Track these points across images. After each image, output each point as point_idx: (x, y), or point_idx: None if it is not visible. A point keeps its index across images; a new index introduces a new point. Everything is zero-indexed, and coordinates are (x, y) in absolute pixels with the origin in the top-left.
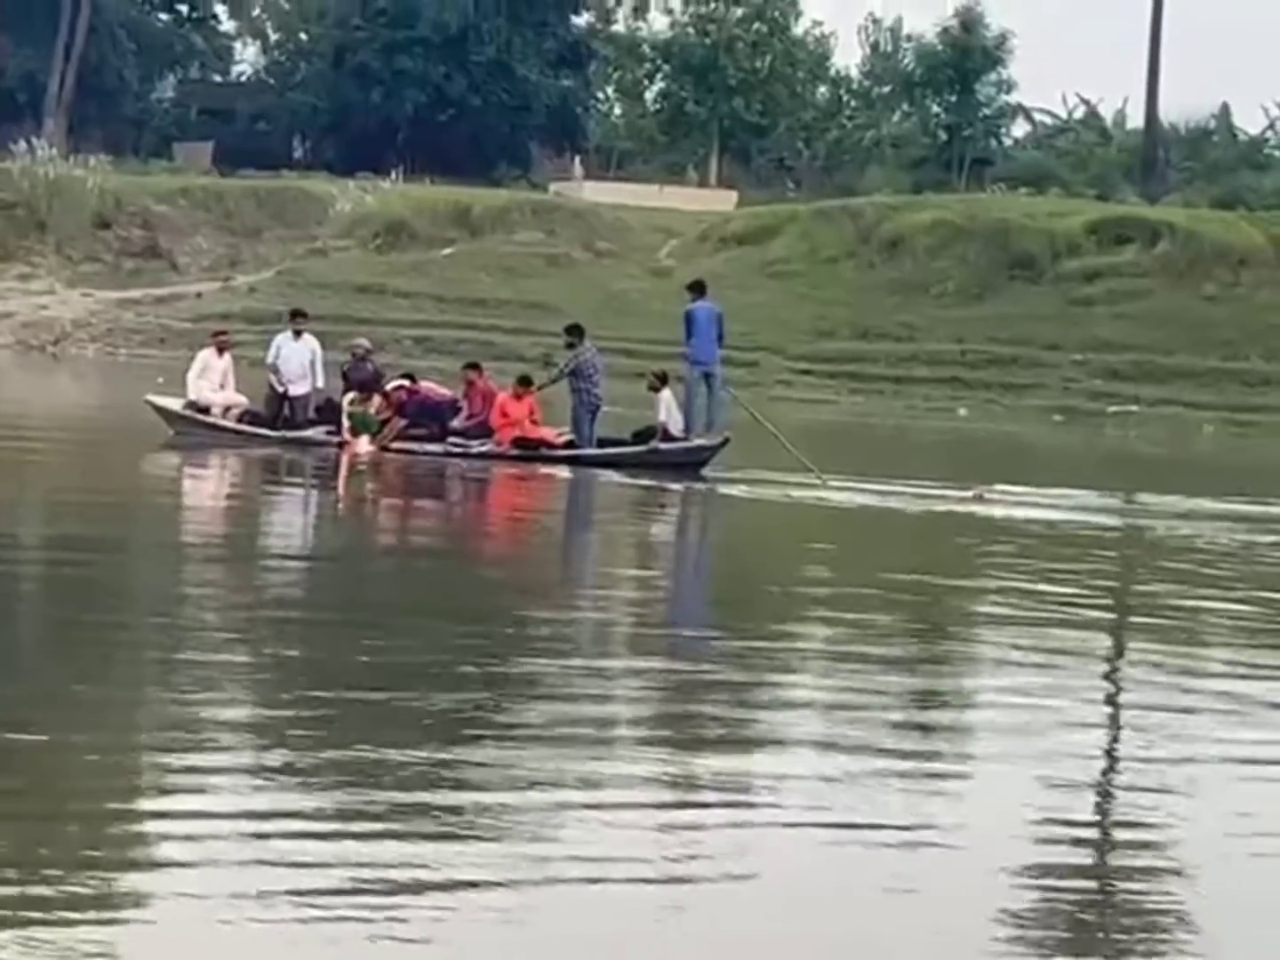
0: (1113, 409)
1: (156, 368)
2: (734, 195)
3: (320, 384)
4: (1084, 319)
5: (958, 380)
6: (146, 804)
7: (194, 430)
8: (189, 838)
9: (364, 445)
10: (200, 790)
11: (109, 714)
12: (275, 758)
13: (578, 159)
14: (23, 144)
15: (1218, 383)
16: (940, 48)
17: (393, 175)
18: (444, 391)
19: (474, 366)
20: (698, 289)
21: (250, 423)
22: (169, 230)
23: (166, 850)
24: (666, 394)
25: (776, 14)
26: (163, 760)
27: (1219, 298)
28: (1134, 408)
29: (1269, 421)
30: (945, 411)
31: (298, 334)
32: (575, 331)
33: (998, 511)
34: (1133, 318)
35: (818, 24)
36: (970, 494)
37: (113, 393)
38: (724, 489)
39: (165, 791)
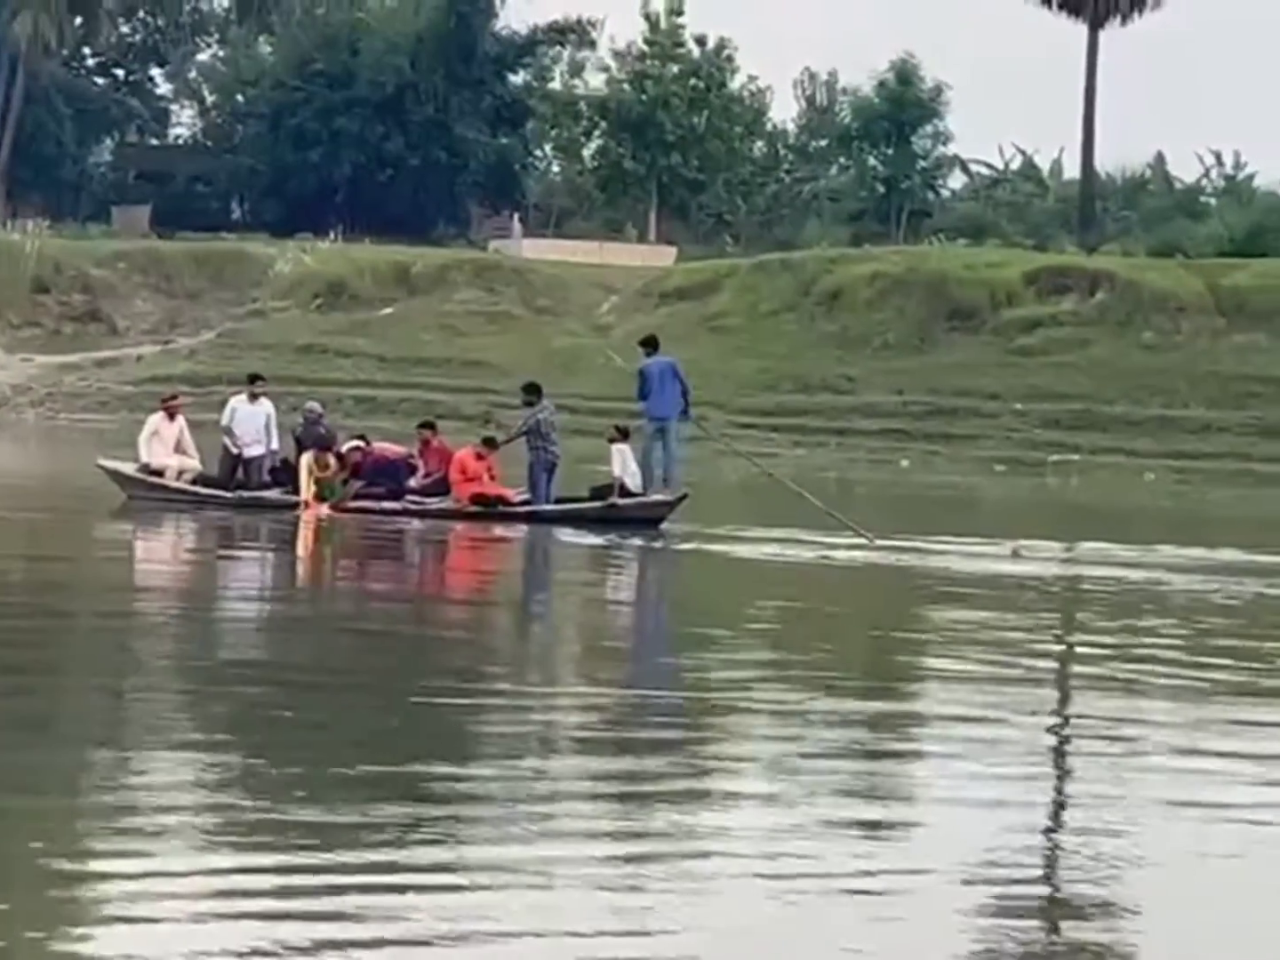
0: (1054, 458)
1: (99, 432)
2: (673, 251)
3: (275, 447)
4: (1024, 369)
5: (900, 432)
6: (95, 865)
7: (148, 494)
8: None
9: (325, 510)
10: (145, 854)
11: (53, 779)
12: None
13: (516, 217)
14: None
15: (1158, 431)
16: (876, 100)
17: (332, 235)
18: (398, 449)
19: (429, 425)
20: (650, 344)
21: (204, 486)
22: (108, 294)
23: (116, 910)
24: (623, 448)
25: (712, 70)
26: (108, 823)
27: (1158, 346)
28: (1075, 457)
29: (1210, 469)
30: (887, 463)
31: (254, 397)
32: (533, 390)
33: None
34: (1072, 367)
35: (753, 79)
36: (1009, 551)
37: (60, 457)
38: (682, 545)
39: (111, 854)
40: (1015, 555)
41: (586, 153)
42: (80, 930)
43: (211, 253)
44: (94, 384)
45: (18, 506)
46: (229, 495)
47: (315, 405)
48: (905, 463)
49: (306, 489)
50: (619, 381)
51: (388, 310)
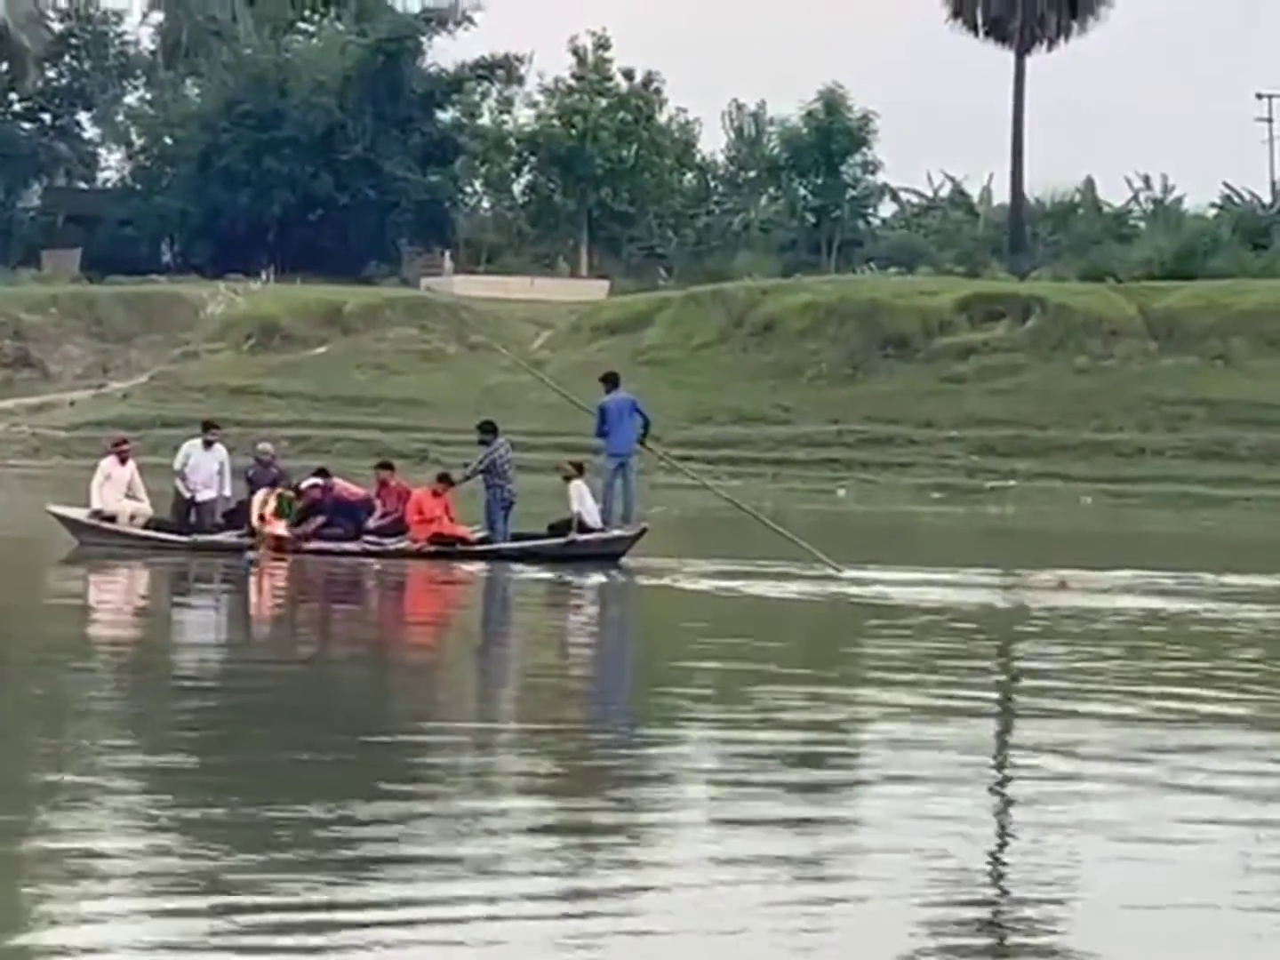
0: (990, 484)
1: (34, 478)
2: (606, 285)
3: (228, 493)
4: (958, 395)
5: (835, 461)
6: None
7: (100, 539)
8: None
9: (282, 527)
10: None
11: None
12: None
13: (447, 254)
14: None
15: (1093, 455)
16: (805, 130)
17: (263, 276)
18: (357, 490)
19: (387, 466)
20: (610, 381)
21: (157, 530)
22: (40, 339)
23: None
24: (579, 484)
25: (640, 103)
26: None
27: (1091, 370)
28: (1011, 482)
29: (1145, 491)
30: (824, 493)
31: (209, 444)
32: (488, 428)
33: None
34: (1006, 393)
35: (681, 111)
36: (1054, 583)
37: (4, 504)
38: (643, 580)
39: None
40: (1062, 587)
41: (517, 188)
42: None
43: (143, 296)
44: (27, 429)
45: None
46: (184, 539)
47: (267, 446)
48: (842, 492)
49: (259, 509)
50: (555, 417)
51: (321, 350)
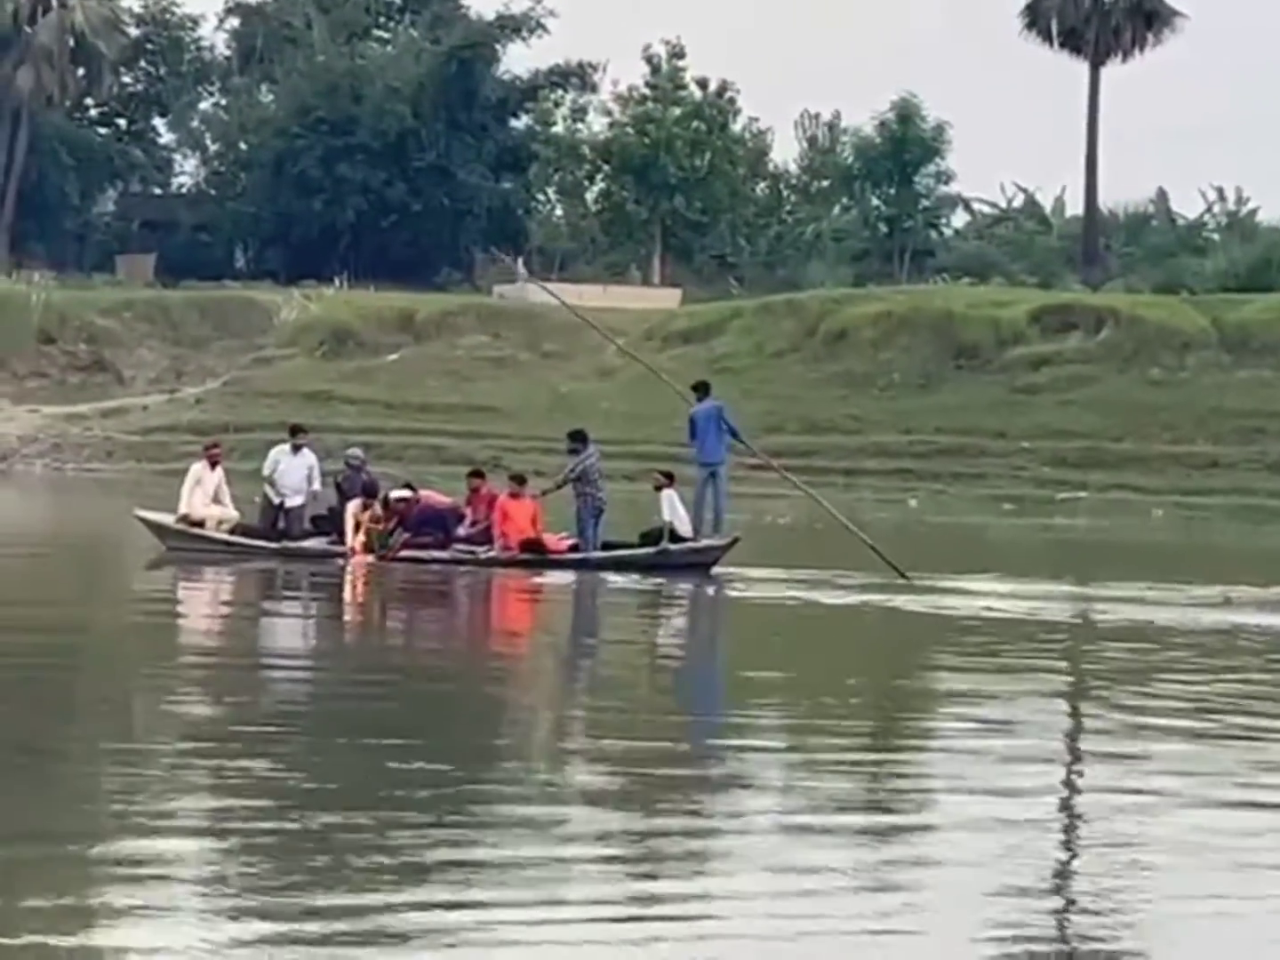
0: (1061, 496)
1: (108, 482)
2: (678, 293)
3: (317, 488)
4: (1030, 407)
5: (907, 471)
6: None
7: (188, 545)
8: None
9: (371, 558)
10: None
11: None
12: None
13: (520, 261)
14: None
15: (1165, 467)
16: (878, 140)
17: (336, 282)
18: (445, 499)
19: (478, 474)
20: (702, 389)
21: (245, 536)
22: (114, 344)
23: None
24: (670, 493)
25: (714, 112)
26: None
27: (1164, 382)
28: (1082, 494)
29: (1217, 504)
30: (895, 503)
31: (297, 449)
32: (579, 437)
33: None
34: (1079, 404)
35: (754, 120)
36: (1220, 598)
37: (78, 509)
38: (736, 591)
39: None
40: (1227, 602)
41: (589, 196)
42: None
43: (216, 301)
44: (100, 434)
45: (61, 561)
46: (273, 545)
47: (357, 452)
48: (913, 502)
49: (353, 538)
50: (626, 425)
51: (393, 356)
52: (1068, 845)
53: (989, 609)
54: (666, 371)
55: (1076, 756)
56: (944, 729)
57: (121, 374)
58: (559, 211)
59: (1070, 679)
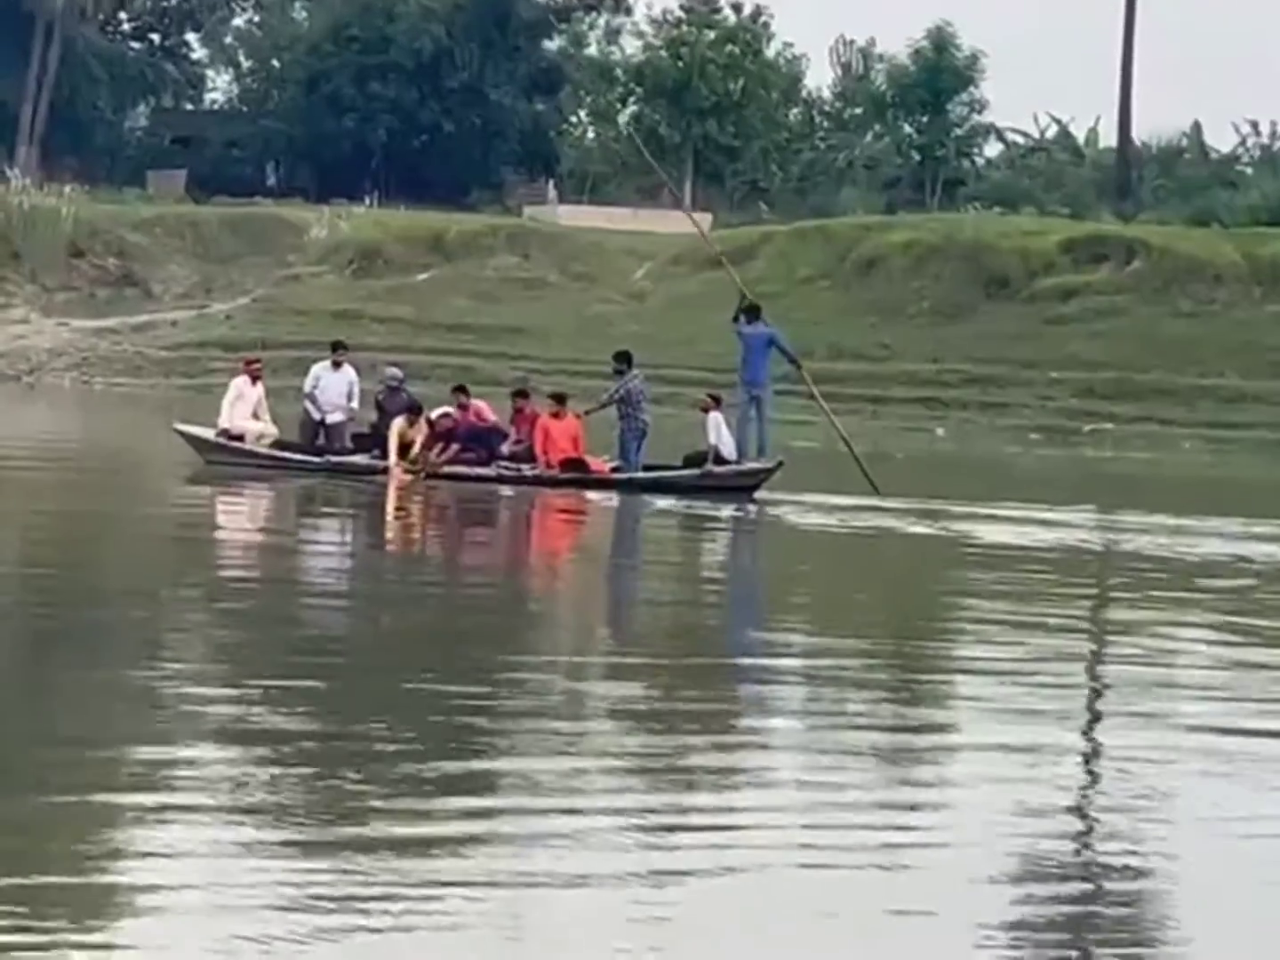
0: (1089, 427)
1: (137, 397)
2: (709, 218)
3: (355, 405)
4: (1059, 337)
5: (935, 400)
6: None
7: (228, 459)
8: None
9: (413, 476)
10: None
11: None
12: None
13: (551, 183)
14: None
15: (1194, 400)
16: (912, 68)
17: (367, 201)
18: (490, 415)
19: (522, 393)
20: (754, 312)
21: (286, 451)
22: (143, 259)
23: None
24: (716, 415)
25: (749, 36)
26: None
27: (1195, 315)
28: (1110, 426)
29: (1245, 438)
30: (922, 432)
31: (337, 365)
32: (623, 359)
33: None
34: (1108, 336)
35: (789, 46)
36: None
37: (112, 423)
38: (777, 513)
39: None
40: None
41: (622, 119)
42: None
43: (247, 218)
44: (129, 349)
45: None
46: (317, 460)
47: (396, 371)
48: (941, 431)
49: (395, 455)
50: (654, 349)
51: (423, 276)
52: (1089, 768)
53: (1015, 537)
54: (696, 296)
55: (1100, 680)
56: (969, 653)
57: (151, 289)
58: (591, 134)
59: (1096, 606)
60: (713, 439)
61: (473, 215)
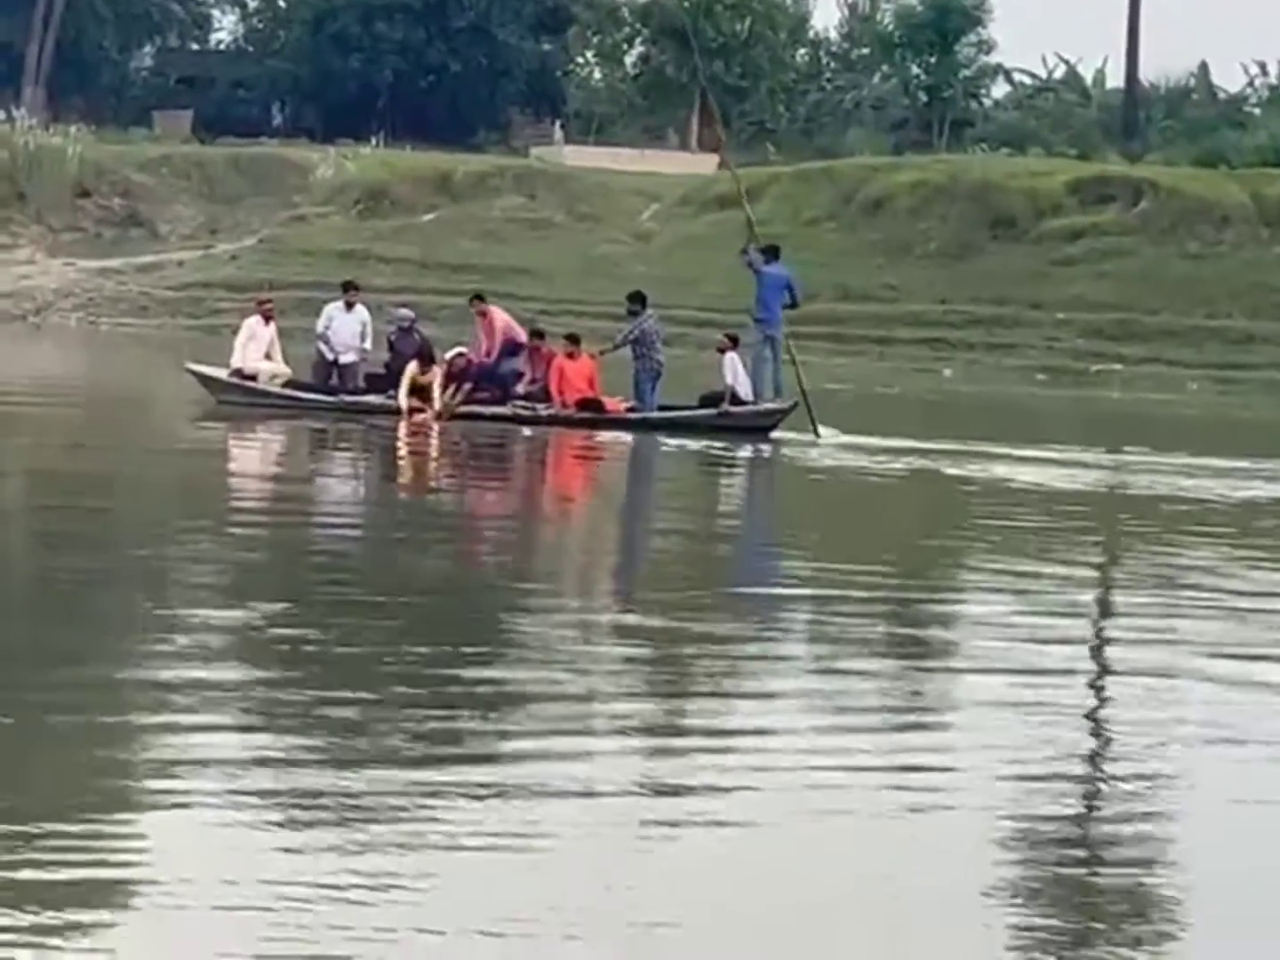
0: (1096, 368)
1: (143, 337)
2: (715, 159)
3: (368, 346)
4: (1066, 278)
5: (941, 341)
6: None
7: (240, 399)
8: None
9: (421, 418)
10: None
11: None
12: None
13: (558, 123)
14: (1, 114)
15: (1201, 341)
16: (919, 8)
17: (373, 141)
18: (507, 321)
19: (539, 334)
20: (772, 253)
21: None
22: (149, 199)
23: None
24: (733, 356)
25: None
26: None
27: (1202, 255)
28: (1117, 366)
29: (1252, 379)
30: (930, 372)
31: (349, 305)
32: (638, 299)
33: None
34: (1115, 276)
35: None
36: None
37: (123, 363)
38: (791, 453)
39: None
40: None
41: (628, 59)
42: None
43: (253, 158)
44: (135, 289)
45: (121, 416)
46: (331, 399)
47: (408, 313)
48: (948, 372)
49: (405, 398)
50: (659, 289)
51: (429, 216)
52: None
53: (1025, 477)
54: (703, 237)
55: (1110, 611)
56: (977, 585)
57: (157, 229)
58: (597, 75)
59: (1104, 548)
60: (729, 379)
61: (479, 156)
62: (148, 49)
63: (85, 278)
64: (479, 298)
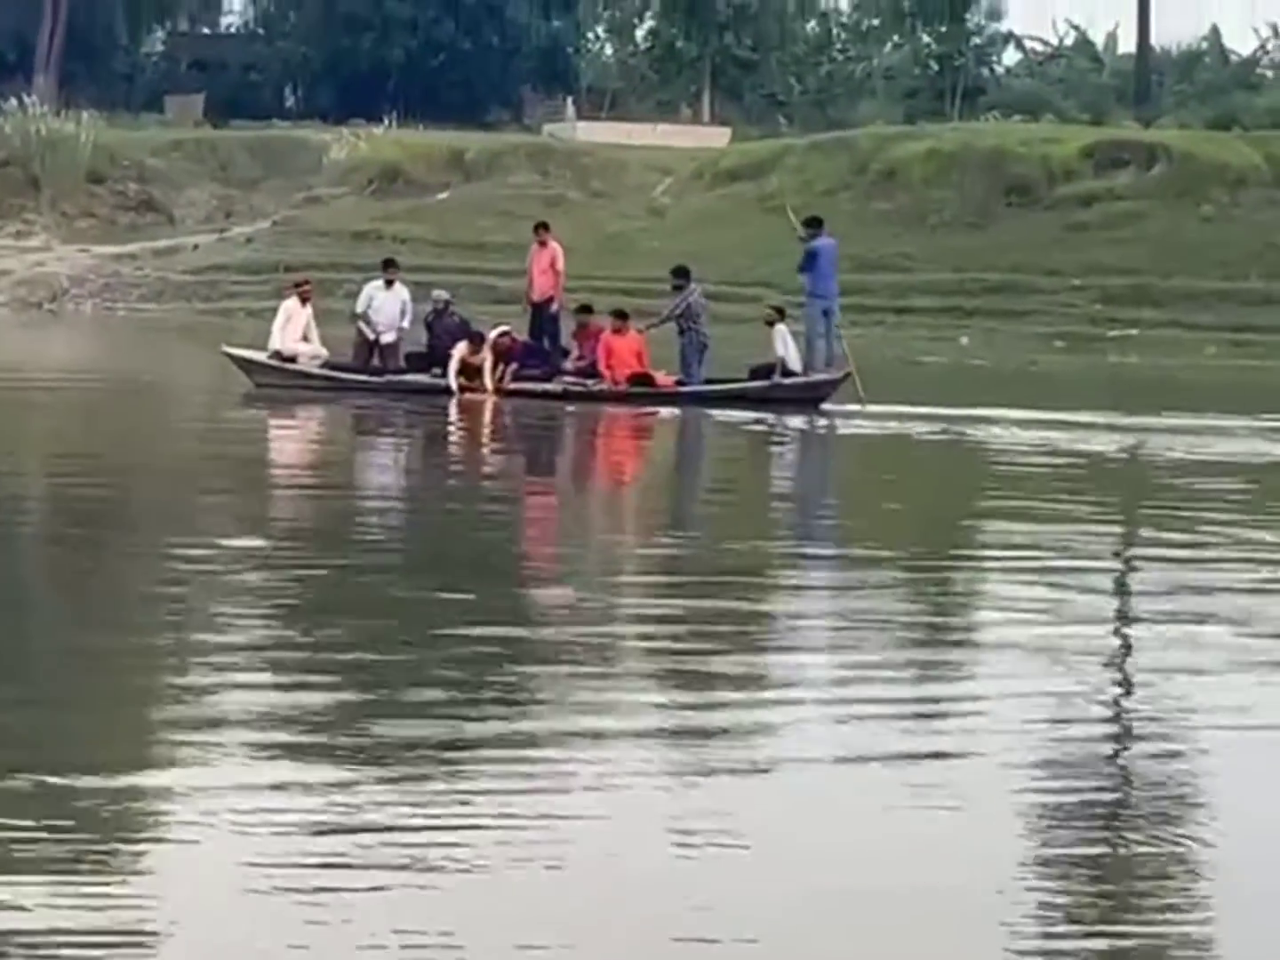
0: (1113, 333)
1: (161, 321)
2: (728, 132)
3: (407, 325)
4: (1082, 244)
5: (958, 309)
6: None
7: (280, 381)
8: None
9: (469, 397)
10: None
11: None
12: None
13: (570, 100)
14: (13, 101)
15: (1217, 304)
16: None
17: (385, 121)
18: (556, 256)
19: (586, 309)
20: (816, 224)
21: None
22: (163, 184)
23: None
24: (782, 328)
25: None
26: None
27: (1217, 219)
28: (1134, 331)
29: (1270, 341)
30: (947, 341)
31: (389, 284)
32: (682, 274)
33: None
34: (1130, 241)
35: None
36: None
37: (145, 347)
38: (845, 425)
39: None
40: None
41: (639, 34)
42: None
43: (266, 141)
44: (150, 274)
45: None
46: (375, 380)
47: (443, 294)
48: (965, 340)
49: (454, 378)
50: (678, 263)
51: (443, 195)
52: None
53: (1048, 441)
54: (717, 211)
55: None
56: (1003, 554)
57: (171, 214)
58: (608, 50)
59: (1127, 508)
60: (780, 351)
61: (491, 134)
62: (158, 34)
63: (101, 264)
64: (544, 226)
